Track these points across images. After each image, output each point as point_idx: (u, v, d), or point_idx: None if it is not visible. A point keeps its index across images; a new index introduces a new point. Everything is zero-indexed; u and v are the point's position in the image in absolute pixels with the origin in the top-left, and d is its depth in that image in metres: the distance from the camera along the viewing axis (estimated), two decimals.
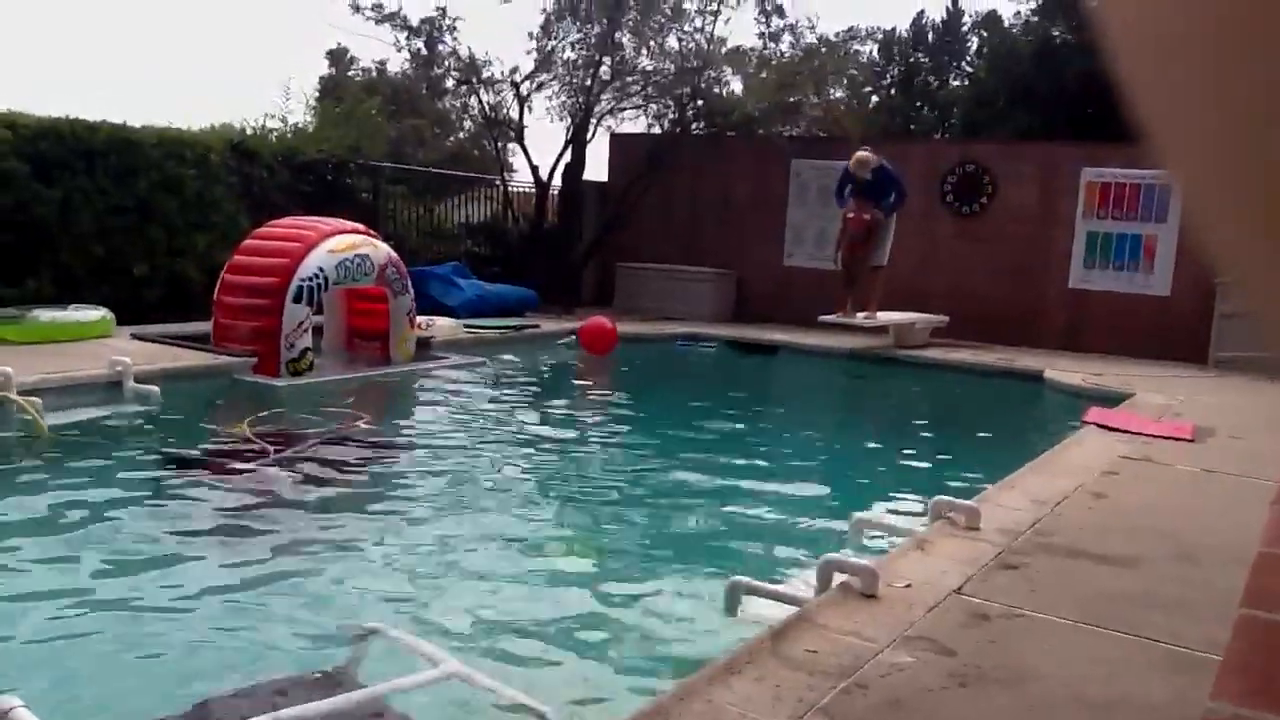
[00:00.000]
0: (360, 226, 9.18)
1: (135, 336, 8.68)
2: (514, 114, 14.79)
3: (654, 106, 15.28)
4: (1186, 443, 6.76)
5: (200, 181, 10.53)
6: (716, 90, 14.92)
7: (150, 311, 9.83)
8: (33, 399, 6.26)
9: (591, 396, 9.64)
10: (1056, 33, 20.30)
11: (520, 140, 14.95)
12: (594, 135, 15.09)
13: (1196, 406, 8.35)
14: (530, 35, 14.52)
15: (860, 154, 11.17)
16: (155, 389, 7.03)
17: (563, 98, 14.76)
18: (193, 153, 10.51)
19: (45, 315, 8.34)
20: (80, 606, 3.80)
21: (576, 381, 10.39)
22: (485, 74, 14.51)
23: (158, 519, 4.87)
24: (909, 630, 3.22)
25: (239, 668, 3.36)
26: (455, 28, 14.26)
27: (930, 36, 30.91)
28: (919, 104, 29.48)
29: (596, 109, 14.76)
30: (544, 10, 14.39)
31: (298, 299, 8.20)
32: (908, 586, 3.62)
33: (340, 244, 8.63)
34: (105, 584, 4.03)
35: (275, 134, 12.76)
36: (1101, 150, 12.34)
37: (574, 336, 11.04)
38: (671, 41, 14.72)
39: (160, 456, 5.95)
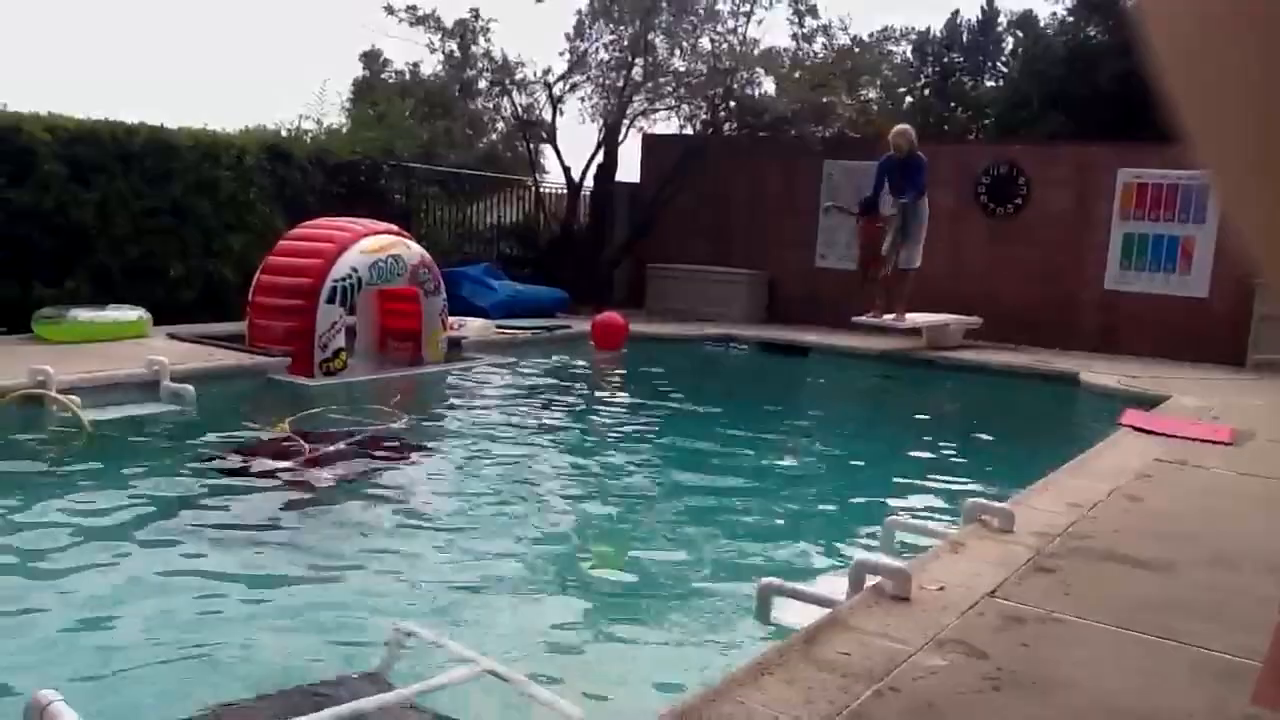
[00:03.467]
0: (393, 227, 9.24)
1: (171, 336, 8.77)
2: (546, 115, 14.84)
3: (686, 107, 15.29)
4: (1224, 446, 6.68)
5: (235, 183, 10.63)
6: (749, 91, 14.89)
7: (186, 312, 9.93)
8: (71, 397, 6.34)
9: (621, 397, 9.64)
10: (1092, 33, 20.14)
11: (552, 141, 14.99)
12: (626, 136, 15.13)
13: (1234, 409, 8.25)
14: (565, 36, 14.58)
15: (900, 126, 11.32)
16: (191, 388, 7.10)
17: (595, 99, 14.81)
18: (228, 155, 10.61)
19: (83, 315, 8.44)
20: (117, 604, 3.84)
21: (606, 382, 10.40)
22: (518, 75, 14.56)
23: (193, 518, 4.91)
24: (942, 633, 3.20)
25: (274, 668, 3.39)
26: (489, 29, 14.34)
27: (965, 37, 30.69)
28: (953, 105, 29.28)
29: (629, 110, 14.78)
30: (578, 12, 14.44)
31: (331, 299, 8.26)
32: (940, 589, 3.60)
33: (373, 245, 8.68)
34: (141, 582, 4.07)
35: (310, 136, 12.85)
36: (1138, 151, 12.21)
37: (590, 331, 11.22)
38: (704, 42, 14.73)
39: (195, 455, 6.00)
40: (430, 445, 6.85)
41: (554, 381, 9.64)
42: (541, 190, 15.74)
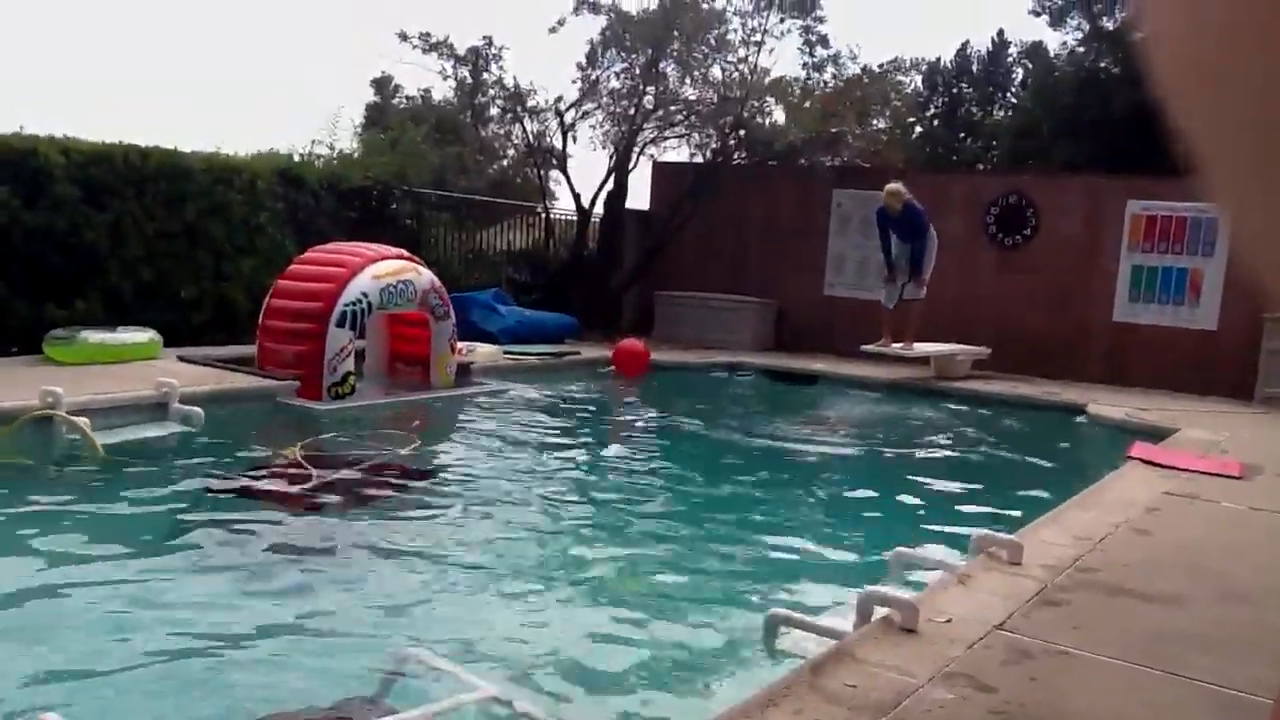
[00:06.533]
0: (404, 252, 9.27)
1: (181, 359, 8.79)
2: (557, 142, 14.92)
3: (696, 136, 15.36)
4: (1233, 479, 6.65)
5: (247, 207, 10.68)
6: (759, 120, 14.96)
7: (196, 334, 9.97)
8: (82, 419, 6.35)
9: (630, 425, 9.63)
10: (1102, 64, 20.19)
11: (563, 168, 15.06)
12: (636, 164, 15.19)
13: (1243, 443, 8.23)
14: (576, 65, 14.67)
15: (890, 185, 11.26)
16: (200, 411, 7.11)
17: (606, 126, 14.88)
18: (240, 179, 10.66)
19: (94, 337, 8.47)
20: (122, 626, 3.84)
21: (614, 409, 10.40)
22: (530, 103, 14.64)
23: (200, 541, 4.92)
24: (949, 666, 3.19)
25: (277, 692, 3.38)
26: (501, 57, 14.44)
27: (975, 67, 30.78)
28: (962, 135, 29.35)
29: (639, 138, 14.85)
30: (589, 40, 14.54)
31: (341, 324, 8.28)
32: (948, 621, 3.58)
33: (384, 270, 8.71)
34: (146, 605, 4.07)
35: (321, 160, 12.92)
36: (1147, 183, 12.23)
37: (611, 358, 11.27)
38: (715, 71, 14.81)
39: (204, 478, 6.01)
40: (438, 470, 6.86)
41: (562, 407, 9.64)
42: (551, 216, 15.79)
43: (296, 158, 12.49)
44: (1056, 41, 24.09)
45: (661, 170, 15.75)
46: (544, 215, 15.76)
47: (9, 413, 6.39)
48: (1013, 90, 29.53)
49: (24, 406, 6.45)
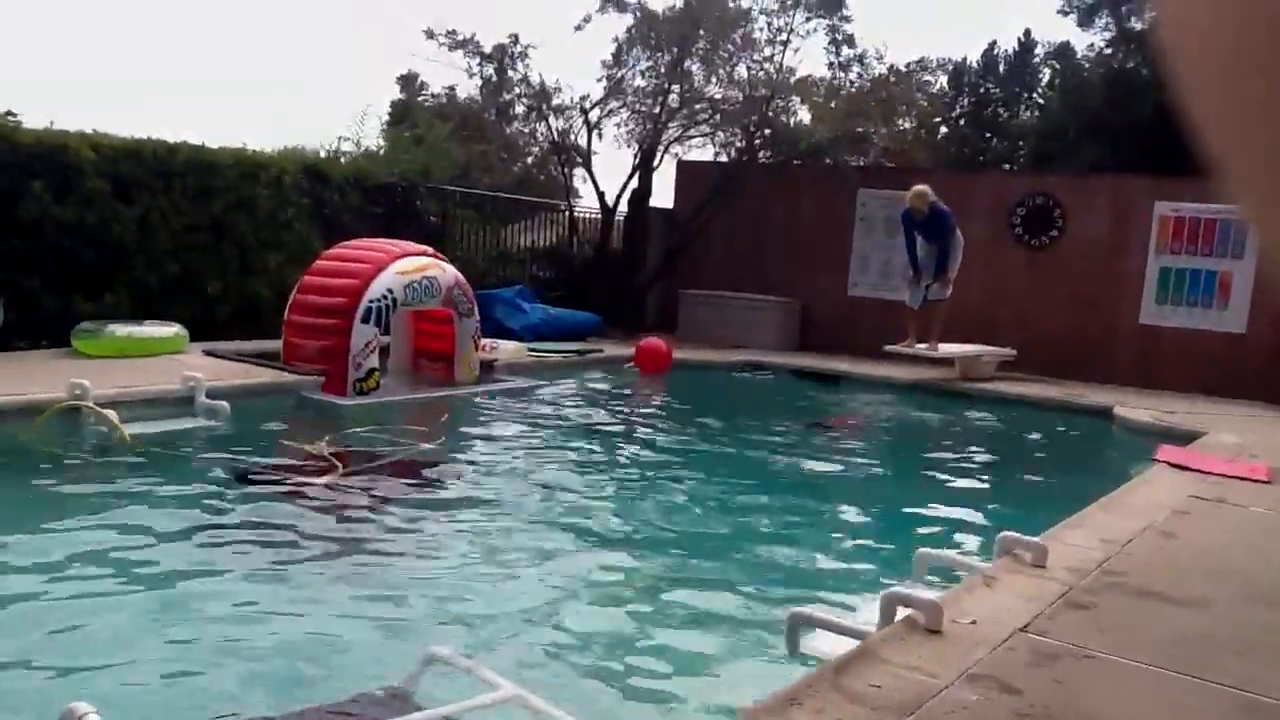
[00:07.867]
0: (428, 249, 9.30)
1: (207, 353, 8.84)
2: (582, 140, 14.92)
3: (721, 134, 15.34)
4: (1261, 484, 6.59)
5: (274, 202, 10.74)
6: (784, 119, 14.92)
7: (222, 329, 10.03)
8: (109, 411, 6.40)
9: (652, 423, 9.63)
10: (1130, 65, 20.07)
11: (588, 166, 15.07)
12: (661, 162, 15.19)
13: (1272, 447, 8.15)
14: (602, 64, 14.68)
15: (916, 187, 11.20)
16: (225, 404, 7.16)
17: (631, 125, 14.88)
18: (267, 174, 10.72)
19: (121, 330, 8.54)
20: (148, 617, 3.86)
21: (637, 407, 10.39)
22: (555, 101, 14.66)
23: (225, 534, 4.94)
24: (974, 668, 3.17)
25: (300, 684, 3.40)
26: (527, 55, 14.46)
27: (1001, 67, 30.65)
28: (988, 135, 29.23)
29: (664, 136, 14.85)
30: (616, 39, 14.54)
31: (366, 319, 8.31)
32: (973, 623, 3.56)
33: (409, 266, 8.74)
34: (172, 596, 4.10)
35: (346, 157, 12.97)
36: (1174, 184, 12.13)
37: (633, 356, 11.30)
38: (740, 70, 14.79)
39: (229, 471, 6.04)
40: (462, 466, 6.87)
41: (585, 405, 9.65)
42: (576, 214, 15.81)
43: (323, 154, 12.55)
44: (1084, 42, 23.96)
45: (686, 169, 15.74)
46: (568, 213, 15.78)
47: (38, 404, 6.45)
48: (1039, 91, 29.38)
49: (52, 398, 6.51)
